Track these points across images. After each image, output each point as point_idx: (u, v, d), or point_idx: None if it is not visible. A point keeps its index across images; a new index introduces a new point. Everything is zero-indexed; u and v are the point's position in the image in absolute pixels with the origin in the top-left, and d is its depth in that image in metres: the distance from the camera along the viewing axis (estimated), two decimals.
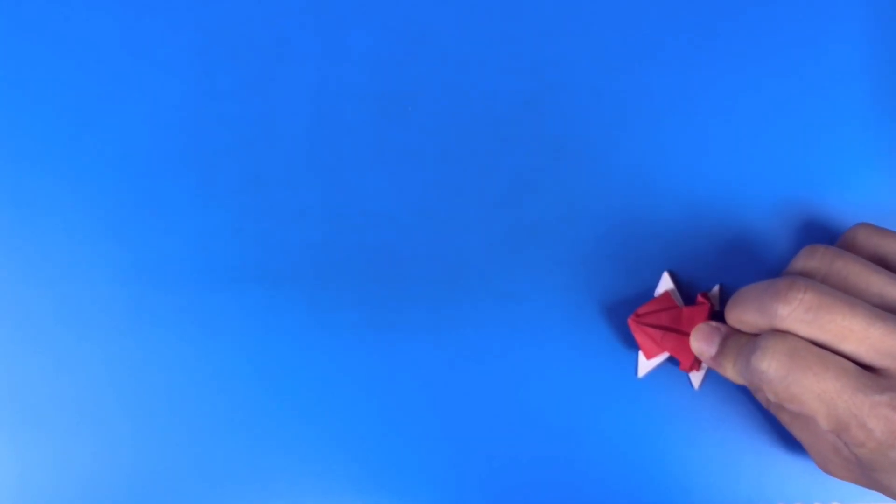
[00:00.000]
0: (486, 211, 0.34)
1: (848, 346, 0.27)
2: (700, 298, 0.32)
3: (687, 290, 0.34)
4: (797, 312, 0.27)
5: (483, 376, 0.34)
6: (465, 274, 0.34)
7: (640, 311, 0.32)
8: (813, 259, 0.29)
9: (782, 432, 0.33)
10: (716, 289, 0.33)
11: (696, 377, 0.33)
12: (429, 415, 0.34)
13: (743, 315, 0.29)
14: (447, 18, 0.35)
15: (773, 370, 0.27)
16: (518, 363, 0.34)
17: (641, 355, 0.33)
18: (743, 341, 0.29)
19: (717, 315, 0.33)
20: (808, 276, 0.28)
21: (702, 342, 0.30)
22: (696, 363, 0.32)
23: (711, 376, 0.33)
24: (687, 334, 0.32)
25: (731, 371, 0.30)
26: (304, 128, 0.34)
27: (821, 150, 0.34)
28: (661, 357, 0.33)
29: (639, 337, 0.32)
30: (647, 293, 0.34)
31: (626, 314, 0.34)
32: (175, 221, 0.34)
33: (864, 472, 0.28)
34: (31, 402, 0.34)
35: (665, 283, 0.33)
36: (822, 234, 0.34)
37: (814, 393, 0.26)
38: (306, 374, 0.34)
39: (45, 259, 0.34)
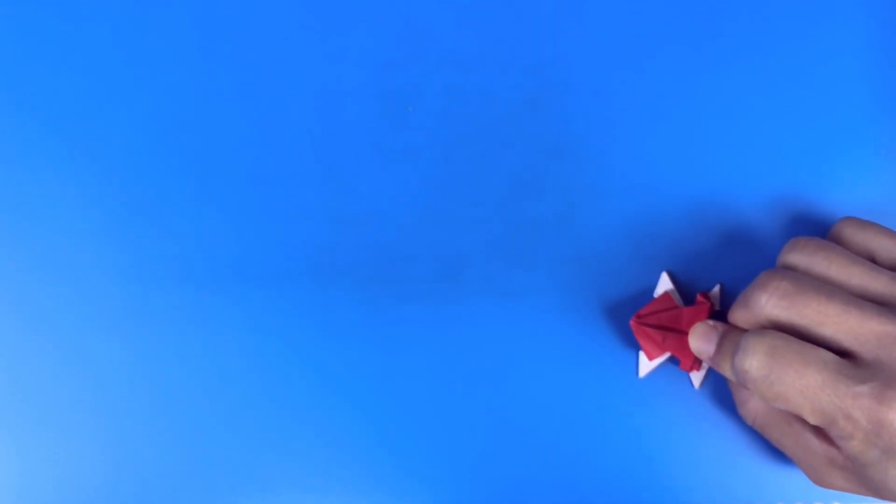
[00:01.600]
0: (486, 211, 0.34)
1: (826, 331, 0.27)
2: (700, 298, 0.32)
3: (686, 290, 0.34)
4: (774, 299, 0.28)
5: (482, 376, 0.34)
6: (464, 274, 0.34)
7: (642, 312, 0.32)
8: (795, 251, 0.29)
9: None
10: (716, 289, 0.33)
11: (697, 377, 0.33)
12: (429, 414, 0.34)
13: (735, 312, 0.29)
14: (447, 18, 0.35)
15: (755, 370, 0.27)
16: (517, 363, 0.34)
17: (643, 355, 0.33)
18: (739, 340, 0.29)
19: (718, 315, 0.33)
20: (791, 268, 0.29)
21: (699, 341, 0.31)
22: (697, 363, 0.32)
23: (711, 376, 0.33)
24: (687, 334, 0.32)
25: (728, 370, 0.30)
26: (303, 127, 0.34)
27: (820, 149, 0.34)
28: (663, 357, 0.33)
29: (641, 338, 0.32)
30: (646, 293, 0.34)
31: (625, 314, 0.34)
32: (175, 221, 0.34)
33: (859, 474, 0.28)
34: (32, 400, 0.34)
35: (664, 284, 0.33)
36: (823, 233, 0.34)
37: (796, 389, 0.26)
38: (306, 374, 0.34)
39: (46, 259, 0.34)
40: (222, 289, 0.34)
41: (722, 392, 0.33)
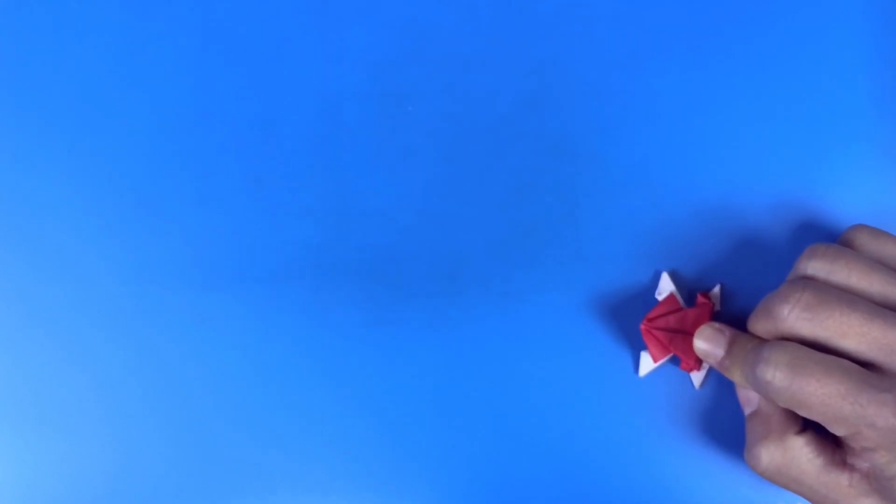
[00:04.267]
0: (486, 211, 0.34)
1: (849, 343, 0.27)
2: (701, 298, 0.32)
3: (687, 290, 0.34)
4: (796, 311, 0.27)
5: (482, 375, 0.34)
6: (464, 273, 0.34)
7: (651, 315, 0.32)
8: (814, 259, 0.29)
9: None
10: (716, 288, 0.33)
11: (697, 377, 0.33)
12: (428, 414, 0.34)
13: (756, 323, 0.29)
14: (447, 18, 0.35)
15: (777, 381, 0.27)
16: (518, 363, 0.34)
17: (645, 356, 0.33)
18: (749, 346, 0.30)
19: (719, 315, 0.33)
20: (811, 276, 0.29)
21: (707, 344, 0.31)
22: (697, 363, 0.32)
23: (712, 376, 0.33)
24: (692, 335, 0.32)
25: (738, 376, 0.30)
26: (303, 127, 0.34)
27: (821, 149, 0.34)
28: (666, 358, 0.33)
29: (649, 341, 0.32)
30: (646, 293, 0.34)
31: (625, 313, 0.34)
32: (175, 221, 0.34)
33: (886, 492, 0.27)
34: (34, 399, 0.34)
35: (667, 285, 0.33)
36: (822, 232, 0.34)
37: (819, 399, 0.26)
38: (306, 373, 0.34)
39: (46, 258, 0.34)
40: (223, 288, 0.34)
41: (722, 392, 0.33)
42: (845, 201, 0.34)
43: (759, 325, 0.29)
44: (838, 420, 0.26)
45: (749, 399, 0.31)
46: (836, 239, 0.34)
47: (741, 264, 0.34)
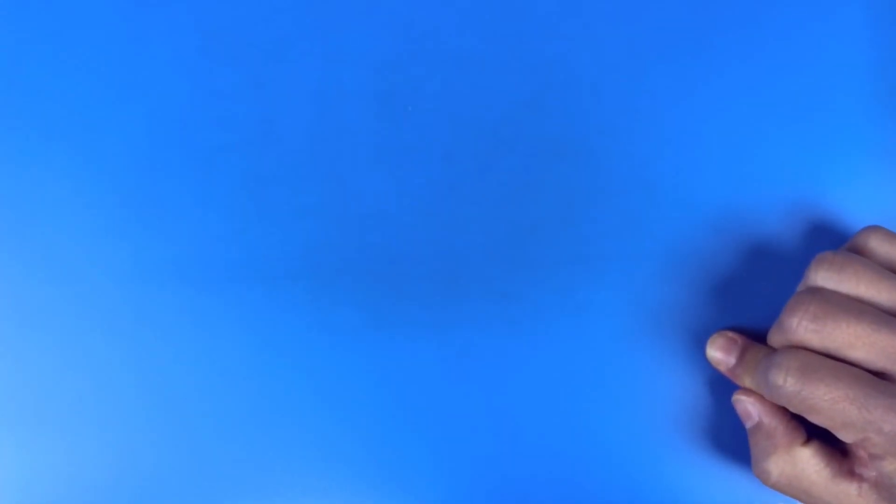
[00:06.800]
0: (486, 211, 0.34)
1: (857, 353, 0.27)
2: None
3: (686, 291, 0.34)
4: (804, 323, 0.28)
5: (482, 376, 0.34)
6: (464, 274, 0.34)
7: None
8: (822, 269, 0.29)
9: None
10: None
11: None
12: (429, 415, 0.34)
13: (772, 335, 0.30)
14: (447, 18, 0.35)
15: (788, 385, 0.27)
16: (518, 363, 0.34)
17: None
18: (760, 355, 0.30)
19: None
20: (820, 286, 0.29)
21: (719, 353, 0.32)
22: None
23: (712, 377, 0.33)
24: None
25: (748, 383, 0.31)
26: (304, 127, 0.34)
27: (825, 151, 0.34)
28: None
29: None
30: (645, 292, 0.34)
31: (625, 314, 0.34)
32: (175, 221, 0.34)
33: (894, 501, 0.28)
34: (31, 401, 0.34)
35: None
36: (828, 235, 0.34)
37: (827, 403, 0.27)
38: (306, 374, 0.34)
39: (46, 258, 0.34)
40: (221, 289, 0.34)
41: (722, 392, 0.33)
42: (852, 202, 0.34)
43: (774, 337, 0.30)
44: (846, 425, 0.27)
45: (749, 413, 0.31)
46: (843, 239, 0.34)
47: (744, 263, 0.34)
